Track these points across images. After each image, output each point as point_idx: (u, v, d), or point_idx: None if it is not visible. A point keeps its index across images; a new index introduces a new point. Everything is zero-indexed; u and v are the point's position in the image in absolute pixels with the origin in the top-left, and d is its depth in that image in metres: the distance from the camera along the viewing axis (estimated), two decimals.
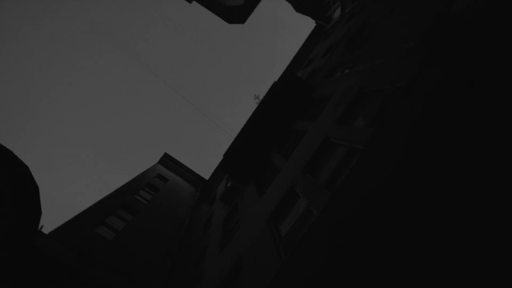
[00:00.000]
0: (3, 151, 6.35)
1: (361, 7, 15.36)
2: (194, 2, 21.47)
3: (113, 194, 14.71)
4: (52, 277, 8.40)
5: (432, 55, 4.50)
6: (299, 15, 22.75)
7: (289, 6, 23.04)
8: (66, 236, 10.13)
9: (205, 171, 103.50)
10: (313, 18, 21.60)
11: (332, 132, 7.99)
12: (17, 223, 7.26)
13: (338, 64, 12.16)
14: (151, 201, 16.71)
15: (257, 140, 14.23)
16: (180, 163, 23.42)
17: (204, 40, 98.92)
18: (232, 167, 14.28)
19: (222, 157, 15.78)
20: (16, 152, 6.94)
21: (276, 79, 14.94)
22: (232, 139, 15.66)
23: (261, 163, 13.69)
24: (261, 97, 18.88)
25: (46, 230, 10.03)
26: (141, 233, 13.41)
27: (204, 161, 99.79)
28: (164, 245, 13.70)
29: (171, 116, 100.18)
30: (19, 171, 7.09)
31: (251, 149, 14.28)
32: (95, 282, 8.78)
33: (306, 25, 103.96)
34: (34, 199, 7.53)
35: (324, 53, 16.88)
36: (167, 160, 23.04)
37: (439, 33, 4.83)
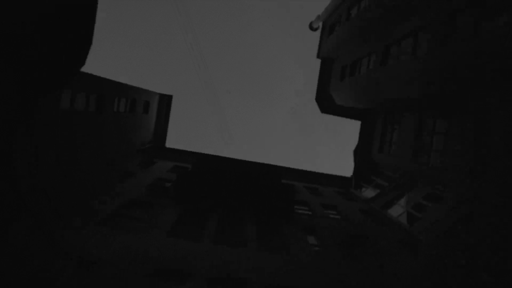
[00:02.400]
0: None
1: (382, 217, 16.06)
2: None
3: (106, 80, 14.33)
4: None
5: None
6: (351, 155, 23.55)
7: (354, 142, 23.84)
8: None
9: (170, 140, 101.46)
10: (354, 172, 22.41)
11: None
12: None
13: (320, 238, 12.51)
14: (121, 115, 16.32)
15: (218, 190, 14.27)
16: (169, 113, 23.12)
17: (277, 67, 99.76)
18: (186, 184, 14.07)
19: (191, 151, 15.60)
20: None
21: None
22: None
23: (202, 210, 13.62)
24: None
25: None
26: (87, 131, 12.99)
27: (177, 134, 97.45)
28: (93, 166, 13.25)
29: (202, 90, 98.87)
30: None
31: (208, 188, 14.28)
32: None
33: (348, 165, 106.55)
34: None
35: (326, 206, 17.40)
36: (164, 100, 22.72)
37: None
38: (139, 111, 18.96)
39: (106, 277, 7.35)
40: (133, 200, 12.80)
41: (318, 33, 24.27)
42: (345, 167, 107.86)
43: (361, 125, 22.90)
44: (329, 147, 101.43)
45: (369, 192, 20.64)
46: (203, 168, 15.58)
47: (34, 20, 5.08)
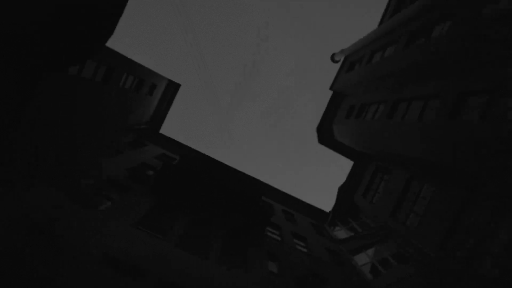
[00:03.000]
0: None
1: (347, 262, 16.13)
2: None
3: (120, 55, 14.35)
4: None
5: None
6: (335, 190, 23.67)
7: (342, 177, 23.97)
8: None
9: (167, 128, 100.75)
10: (333, 209, 22.51)
11: None
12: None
13: (281, 268, 12.55)
14: (125, 91, 16.29)
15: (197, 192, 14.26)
16: (172, 100, 23.14)
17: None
18: (168, 178, 14.01)
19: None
20: None
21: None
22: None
23: (175, 208, 13.60)
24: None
25: None
26: (89, 99, 12.94)
27: (176, 130, 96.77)
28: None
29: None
30: None
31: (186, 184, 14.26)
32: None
33: (329, 199, 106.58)
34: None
35: (296, 236, 17.45)
36: (171, 87, 22.71)
37: None
38: (144, 92, 18.95)
39: (64, 258, 7.31)
40: (112, 179, 12.75)
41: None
42: (325, 200, 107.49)
43: (353, 165, 23.07)
44: (318, 171, 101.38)
45: (341, 233, 20.73)
46: (189, 165, 15.55)
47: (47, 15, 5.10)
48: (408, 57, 13.93)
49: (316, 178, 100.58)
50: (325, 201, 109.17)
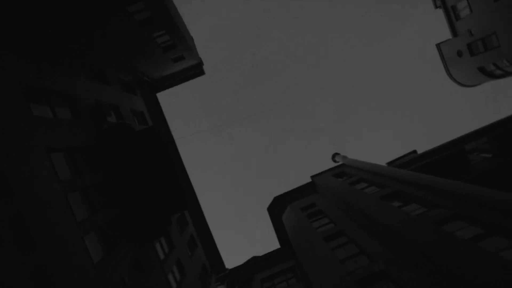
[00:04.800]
0: None
1: None
2: None
3: (169, 13, 14.71)
4: None
5: None
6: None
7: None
8: None
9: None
10: (233, 269, 22.18)
11: None
12: None
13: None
14: (155, 44, 16.56)
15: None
16: (188, 79, 23.44)
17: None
18: (123, 137, 13.74)
19: None
20: None
21: None
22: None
23: (104, 162, 13.33)
24: None
25: None
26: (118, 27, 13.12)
27: (176, 125, 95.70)
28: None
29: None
30: None
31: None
32: None
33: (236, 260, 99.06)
34: None
35: (179, 266, 17.12)
36: (196, 68, 23.00)
37: None
38: (170, 56, 19.22)
39: None
40: (74, 98, 12.59)
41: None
42: (233, 256, 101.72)
43: (277, 250, 22.97)
44: (251, 226, 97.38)
45: None
46: (148, 142, 15.25)
47: None
48: (375, 209, 14.18)
49: (243, 232, 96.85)
50: (232, 257, 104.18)
